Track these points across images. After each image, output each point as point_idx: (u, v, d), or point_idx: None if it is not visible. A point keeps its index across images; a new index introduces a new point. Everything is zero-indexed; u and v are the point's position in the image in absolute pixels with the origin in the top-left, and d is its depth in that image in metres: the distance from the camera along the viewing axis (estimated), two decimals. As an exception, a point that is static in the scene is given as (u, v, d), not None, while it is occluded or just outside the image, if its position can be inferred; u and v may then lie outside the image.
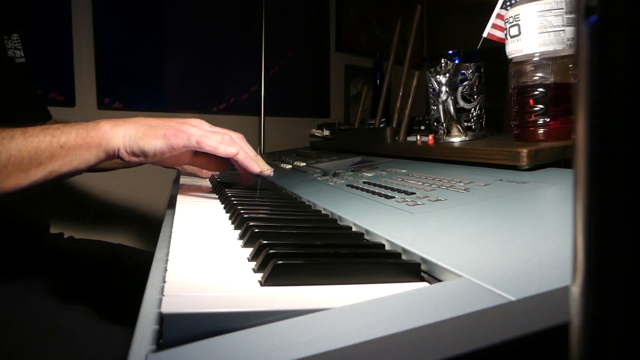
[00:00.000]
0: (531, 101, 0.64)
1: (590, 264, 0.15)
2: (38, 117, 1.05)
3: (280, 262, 0.32)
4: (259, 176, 0.70)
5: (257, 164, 0.67)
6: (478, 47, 0.86)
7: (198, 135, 0.62)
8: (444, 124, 0.81)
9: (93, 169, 0.63)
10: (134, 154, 0.61)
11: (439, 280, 0.33)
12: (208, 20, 1.73)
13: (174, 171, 1.14)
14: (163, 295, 0.29)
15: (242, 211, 0.55)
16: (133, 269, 0.96)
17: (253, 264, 0.38)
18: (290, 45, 1.99)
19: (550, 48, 0.62)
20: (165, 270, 0.35)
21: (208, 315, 0.26)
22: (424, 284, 0.33)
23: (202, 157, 0.72)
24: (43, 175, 0.60)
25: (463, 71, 0.82)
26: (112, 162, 1.04)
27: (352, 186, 0.68)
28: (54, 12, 1.38)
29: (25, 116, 0.96)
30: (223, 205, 0.67)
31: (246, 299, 0.29)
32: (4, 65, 0.89)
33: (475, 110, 0.83)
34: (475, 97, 0.83)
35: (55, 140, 0.59)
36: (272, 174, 0.70)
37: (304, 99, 2.09)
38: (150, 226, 1.59)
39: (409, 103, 0.98)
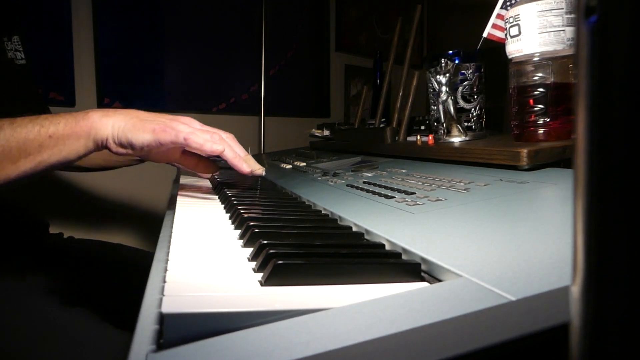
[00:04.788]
0: (531, 101, 0.64)
1: (590, 264, 0.15)
2: None
3: (280, 262, 0.32)
4: (257, 177, 0.70)
5: (247, 164, 0.67)
6: (478, 47, 0.86)
7: (186, 132, 0.61)
8: (444, 124, 0.81)
9: (95, 168, 0.63)
10: (121, 144, 0.61)
11: (439, 280, 0.33)
12: (208, 20, 1.73)
13: (174, 171, 1.14)
14: (163, 295, 0.29)
15: (242, 211, 0.55)
16: (133, 269, 0.96)
17: (253, 264, 0.38)
18: (290, 45, 1.99)
19: (550, 48, 0.62)
20: (165, 270, 0.35)
21: (208, 315, 0.26)
22: (424, 284, 0.33)
23: (190, 157, 0.72)
24: (32, 166, 0.59)
25: (463, 71, 0.82)
26: (111, 161, 1.03)
27: (352, 186, 0.68)
28: (54, 12, 1.38)
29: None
30: (223, 205, 0.66)
31: (246, 299, 0.29)
32: (4, 66, 0.89)
33: (475, 110, 0.83)
34: (475, 97, 0.83)
35: (44, 130, 0.58)
36: (264, 173, 0.70)
37: (304, 99, 2.09)
38: (150, 226, 1.59)
39: (409, 103, 0.98)
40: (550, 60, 0.62)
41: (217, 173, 0.79)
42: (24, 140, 0.58)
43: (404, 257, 0.38)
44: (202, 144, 0.62)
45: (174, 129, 0.61)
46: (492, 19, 0.85)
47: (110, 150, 0.61)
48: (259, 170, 0.69)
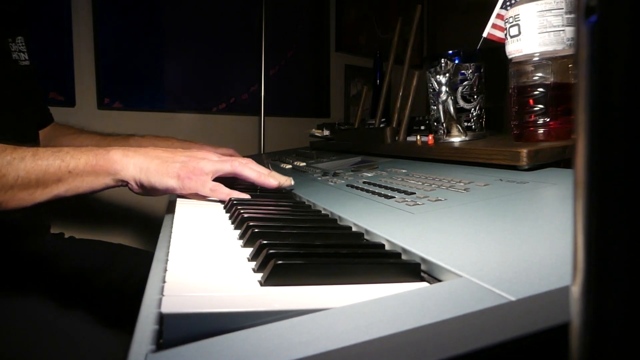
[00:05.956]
0: (531, 101, 0.64)
1: (590, 264, 0.15)
2: (41, 119, 1.06)
3: (280, 262, 0.32)
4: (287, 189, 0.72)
5: (273, 179, 0.69)
6: (478, 47, 0.86)
7: (212, 184, 0.64)
8: (444, 124, 0.81)
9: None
10: (143, 187, 0.62)
11: (439, 280, 0.33)
12: (208, 20, 1.73)
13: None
14: (163, 295, 0.29)
15: (242, 211, 0.55)
16: (133, 269, 0.96)
17: (253, 264, 0.38)
18: (290, 45, 1.99)
19: (550, 48, 0.62)
20: (165, 270, 0.35)
21: (208, 315, 0.26)
22: (424, 284, 0.33)
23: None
24: (48, 198, 0.61)
25: (463, 71, 0.82)
26: None
27: (352, 186, 0.68)
28: (54, 12, 1.38)
29: (28, 118, 0.97)
30: (223, 205, 0.66)
31: (246, 299, 0.29)
32: (9, 67, 0.90)
33: (475, 110, 0.83)
34: (475, 97, 0.83)
35: (64, 165, 0.60)
36: (292, 182, 0.71)
37: (304, 99, 2.09)
38: (150, 226, 1.59)
39: (409, 103, 0.98)
40: (550, 60, 0.62)
41: None
42: (44, 173, 0.59)
43: (403, 257, 0.38)
44: (229, 193, 0.65)
45: (199, 176, 0.63)
46: (492, 19, 0.85)
47: (131, 190, 0.63)
48: (287, 182, 0.70)
